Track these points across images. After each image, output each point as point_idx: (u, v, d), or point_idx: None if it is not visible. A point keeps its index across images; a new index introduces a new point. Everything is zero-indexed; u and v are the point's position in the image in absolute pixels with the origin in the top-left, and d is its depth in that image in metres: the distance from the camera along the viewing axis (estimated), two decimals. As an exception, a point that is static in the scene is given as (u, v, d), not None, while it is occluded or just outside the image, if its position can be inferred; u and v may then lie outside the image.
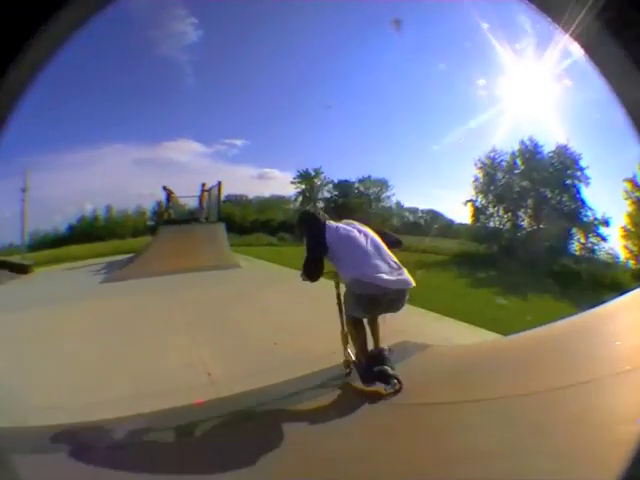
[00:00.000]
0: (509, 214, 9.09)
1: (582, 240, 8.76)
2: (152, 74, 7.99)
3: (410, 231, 9.31)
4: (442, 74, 7.57)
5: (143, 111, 7.85)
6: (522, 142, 9.08)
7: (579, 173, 8.59)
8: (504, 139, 8.49)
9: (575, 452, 2.13)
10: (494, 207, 9.03)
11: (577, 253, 8.78)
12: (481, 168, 9.49)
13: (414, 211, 10.14)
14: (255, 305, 5.32)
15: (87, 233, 8.72)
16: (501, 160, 9.53)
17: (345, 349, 3.32)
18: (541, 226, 9.14)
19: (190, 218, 8.84)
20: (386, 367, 2.96)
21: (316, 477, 2.35)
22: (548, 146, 8.94)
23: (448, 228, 9.26)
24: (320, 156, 9.99)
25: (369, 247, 2.92)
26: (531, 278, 6.99)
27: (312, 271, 2.98)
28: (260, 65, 8.20)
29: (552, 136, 8.38)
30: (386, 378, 2.94)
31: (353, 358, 3.25)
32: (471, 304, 5.75)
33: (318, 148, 9.31)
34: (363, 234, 3.02)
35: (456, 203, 9.15)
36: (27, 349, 4.45)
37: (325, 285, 6.42)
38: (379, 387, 3.00)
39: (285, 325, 4.91)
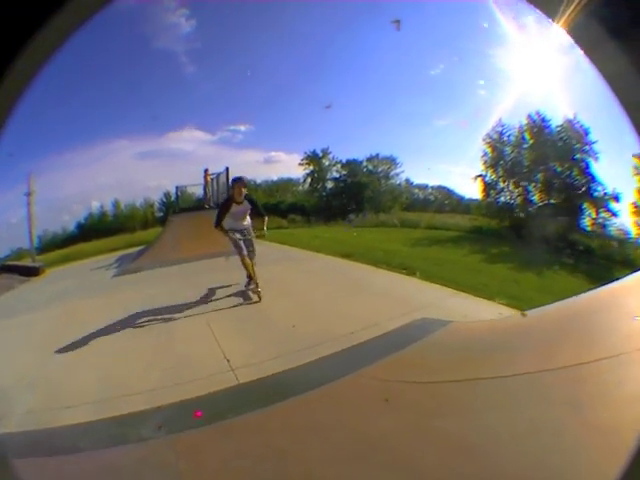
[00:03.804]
0: (519, 189, 8.91)
1: (593, 215, 8.63)
2: (148, 68, 7.78)
3: (420, 208, 9.16)
4: (447, 50, 7.28)
5: (143, 105, 7.65)
6: (530, 116, 8.88)
7: (587, 147, 8.44)
8: (511, 113, 8.23)
9: (605, 427, 2.09)
10: (504, 182, 8.83)
11: (588, 229, 8.64)
12: (489, 143, 9.27)
13: (424, 188, 9.89)
14: (270, 288, 5.22)
15: (96, 229, 8.51)
16: (509, 134, 9.31)
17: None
18: (552, 201, 8.98)
19: (197, 205, 8.63)
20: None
21: (346, 457, 2.35)
22: (556, 120, 8.72)
23: (458, 204, 9.09)
24: (327, 137, 9.70)
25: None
26: (544, 253, 6.91)
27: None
28: (258, 49, 7.94)
29: (559, 110, 8.16)
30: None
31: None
32: (487, 280, 5.66)
33: (324, 129, 9.08)
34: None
35: (466, 179, 8.91)
36: (42, 350, 4.34)
37: (339, 268, 6.48)
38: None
39: (302, 307, 4.86)
